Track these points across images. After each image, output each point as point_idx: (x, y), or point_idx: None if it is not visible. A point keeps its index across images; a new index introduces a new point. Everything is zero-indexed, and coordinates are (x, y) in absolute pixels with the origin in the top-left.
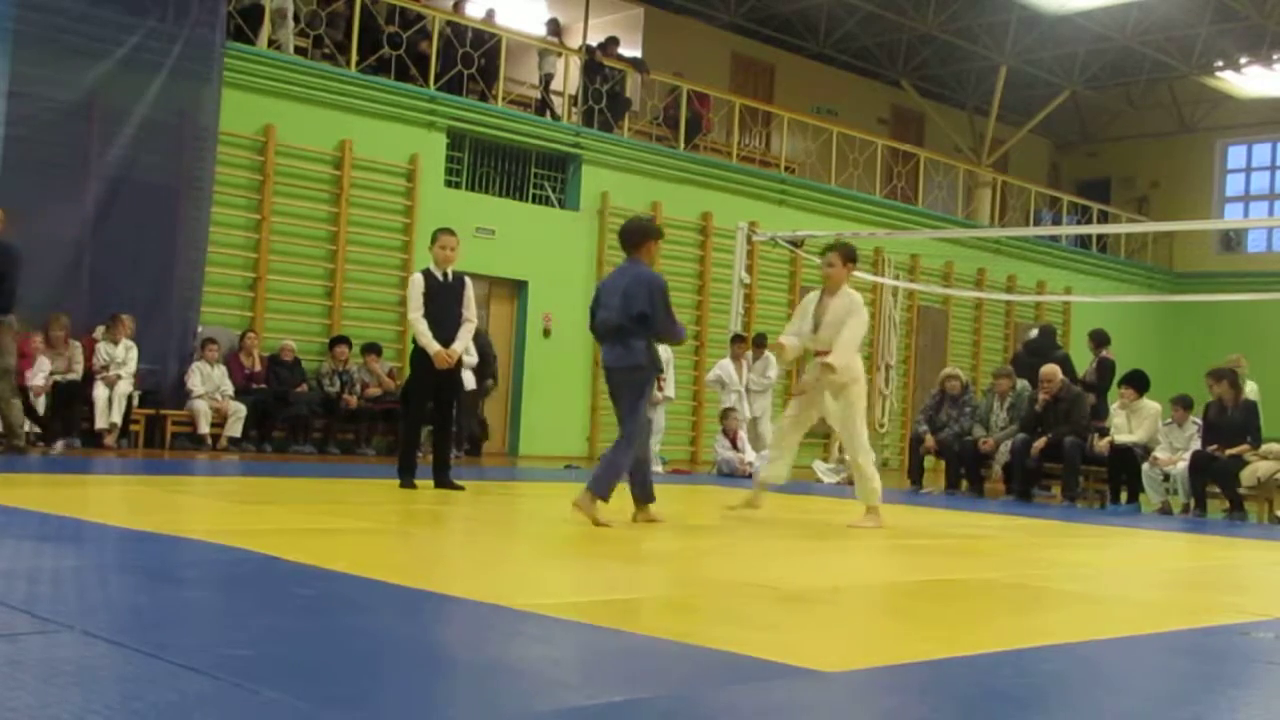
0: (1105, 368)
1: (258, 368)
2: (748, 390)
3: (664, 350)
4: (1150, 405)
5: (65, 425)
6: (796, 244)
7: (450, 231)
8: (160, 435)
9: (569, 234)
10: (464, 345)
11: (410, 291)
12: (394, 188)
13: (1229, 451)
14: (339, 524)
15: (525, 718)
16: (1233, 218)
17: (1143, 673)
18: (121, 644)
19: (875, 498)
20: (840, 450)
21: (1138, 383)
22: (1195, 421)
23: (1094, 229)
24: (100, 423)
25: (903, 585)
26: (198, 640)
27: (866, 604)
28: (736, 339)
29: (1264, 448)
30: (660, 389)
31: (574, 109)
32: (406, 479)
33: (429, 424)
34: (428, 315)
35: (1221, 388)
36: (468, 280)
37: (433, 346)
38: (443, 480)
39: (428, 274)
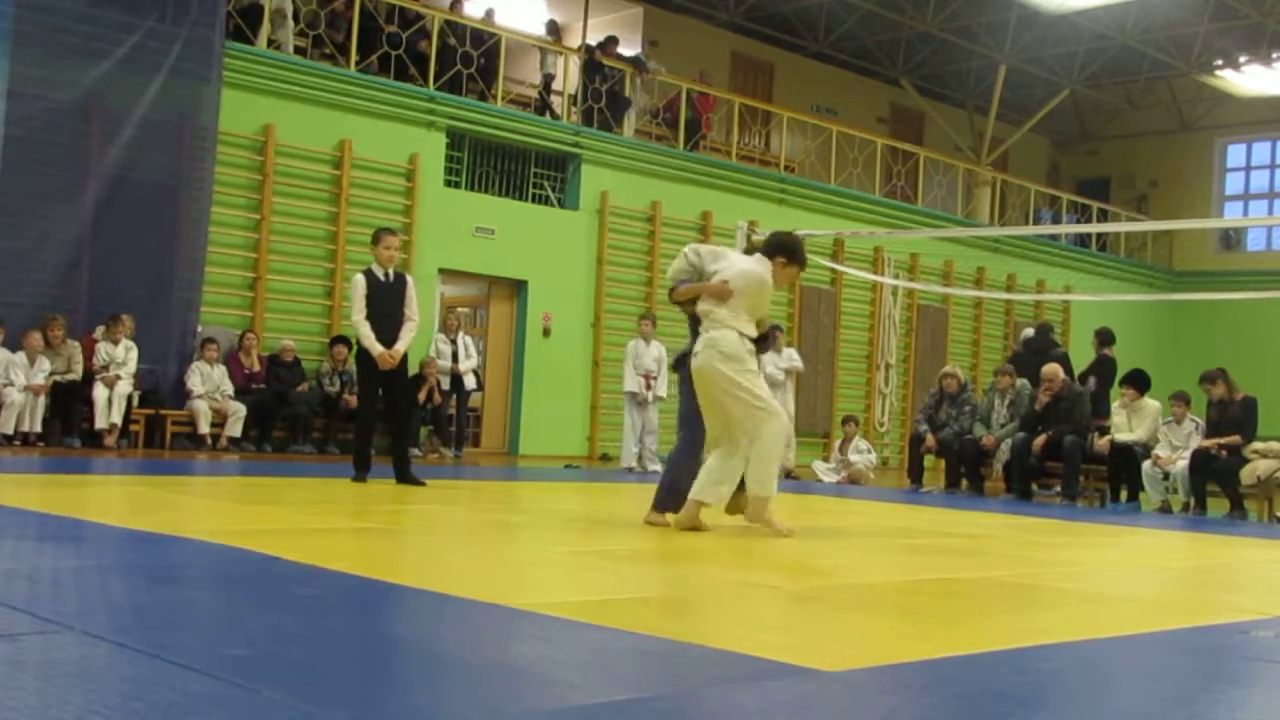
0: (1104, 366)
1: (257, 368)
2: (780, 381)
3: (656, 349)
4: (1151, 404)
5: (65, 425)
6: None
7: (393, 231)
8: (160, 435)
9: (569, 234)
10: (406, 344)
11: (353, 292)
12: (394, 187)
13: (1222, 441)
14: (339, 524)
15: (525, 718)
16: (1232, 216)
17: (1142, 672)
18: (122, 644)
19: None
20: (840, 450)
21: (1139, 383)
22: (1194, 419)
23: (1093, 228)
24: (100, 423)
25: (903, 584)
26: (198, 640)
27: (866, 604)
28: None
29: (1264, 446)
30: (649, 388)
31: (573, 108)
32: (359, 473)
33: (380, 421)
34: (371, 316)
35: (1218, 389)
36: (409, 279)
37: (376, 348)
38: (404, 476)
39: (370, 274)
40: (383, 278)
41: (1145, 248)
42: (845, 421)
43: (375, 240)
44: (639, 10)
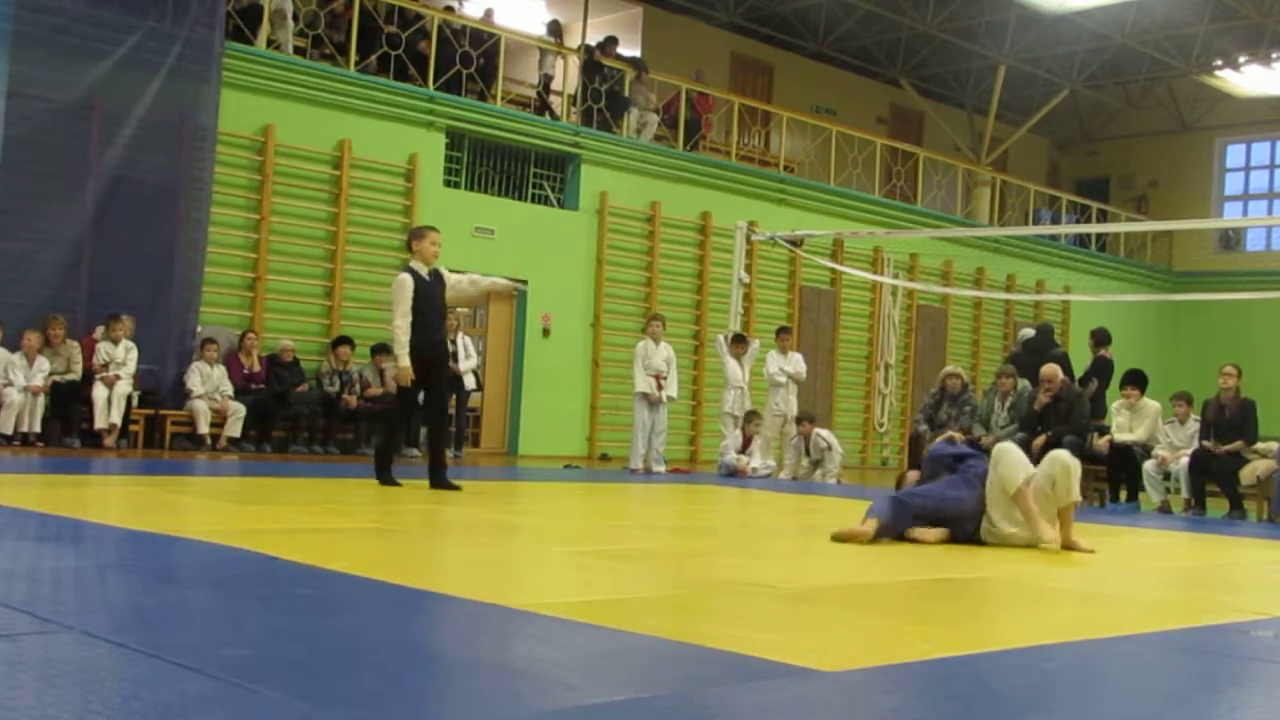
0: (1103, 367)
1: (257, 368)
2: (781, 383)
3: (665, 349)
4: (1150, 404)
5: (64, 425)
6: (796, 243)
7: (437, 229)
8: (160, 435)
9: (568, 234)
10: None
11: (399, 293)
12: (393, 188)
13: (1225, 448)
14: (339, 524)
15: (525, 718)
16: (1231, 216)
17: (1142, 672)
18: (121, 644)
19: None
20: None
21: (1140, 382)
22: (1198, 419)
23: (1093, 228)
24: (100, 423)
25: (902, 584)
26: (198, 640)
27: (866, 604)
28: (737, 338)
29: (1264, 446)
30: (661, 388)
31: (573, 109)
32: (386, 476)
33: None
34: (421, 313)
35: (1233, 380)
36: (444, 274)
37: (404, 360)
38: (439, 480)
39: (415, 273)
40: (426, 276)
41: (1145, 248)
42: (800, 421)
43: (420, 235)
44: (638, 10)
